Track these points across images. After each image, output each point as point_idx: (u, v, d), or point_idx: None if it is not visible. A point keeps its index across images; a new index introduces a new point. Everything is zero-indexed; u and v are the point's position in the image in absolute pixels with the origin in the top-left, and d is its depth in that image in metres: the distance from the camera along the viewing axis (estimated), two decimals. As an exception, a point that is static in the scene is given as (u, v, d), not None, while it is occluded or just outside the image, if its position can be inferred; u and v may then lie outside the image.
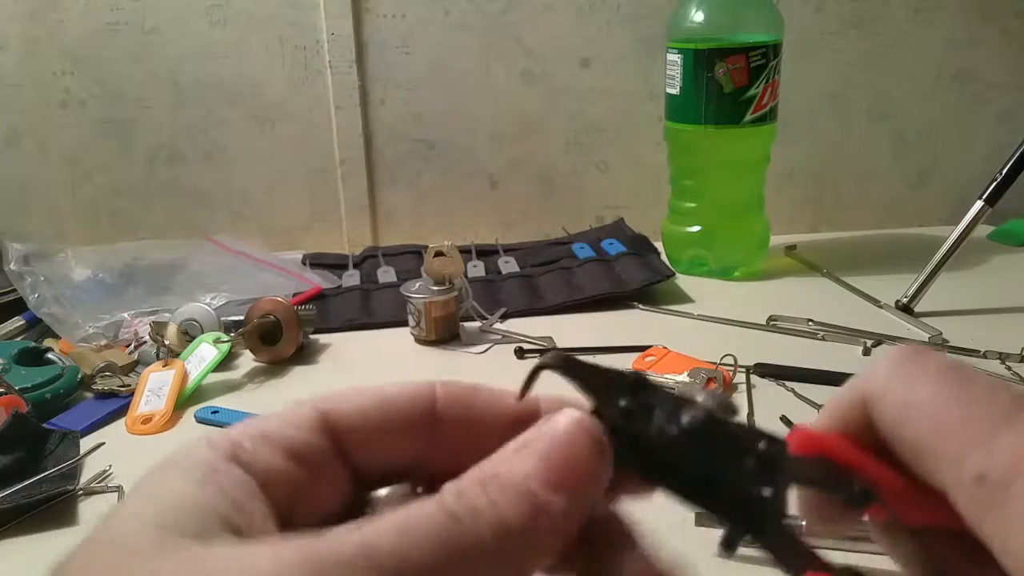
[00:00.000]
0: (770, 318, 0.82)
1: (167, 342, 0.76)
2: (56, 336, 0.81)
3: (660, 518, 0.24)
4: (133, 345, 0.79)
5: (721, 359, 0.70)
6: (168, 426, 0.67)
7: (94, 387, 0.71)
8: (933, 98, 1.13)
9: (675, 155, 0.97)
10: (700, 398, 0.21)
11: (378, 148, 1.11)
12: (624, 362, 0.73)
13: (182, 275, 0.91)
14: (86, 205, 1.10)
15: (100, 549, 0.18)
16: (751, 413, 0.65)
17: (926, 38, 1.10)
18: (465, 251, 1.00)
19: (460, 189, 1.13)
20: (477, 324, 0.83)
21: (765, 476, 0.21)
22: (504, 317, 0.85)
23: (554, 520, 0.19)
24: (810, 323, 0.80)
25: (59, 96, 1.06)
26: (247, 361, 0.78)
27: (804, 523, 0.23)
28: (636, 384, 0.22)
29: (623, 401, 0.22)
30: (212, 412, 0.68)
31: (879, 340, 0.76)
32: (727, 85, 0.88)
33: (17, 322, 0.84)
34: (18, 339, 0.82)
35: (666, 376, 0.69)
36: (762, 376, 0.70)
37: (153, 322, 0.79)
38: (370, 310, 0.88)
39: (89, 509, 0.56)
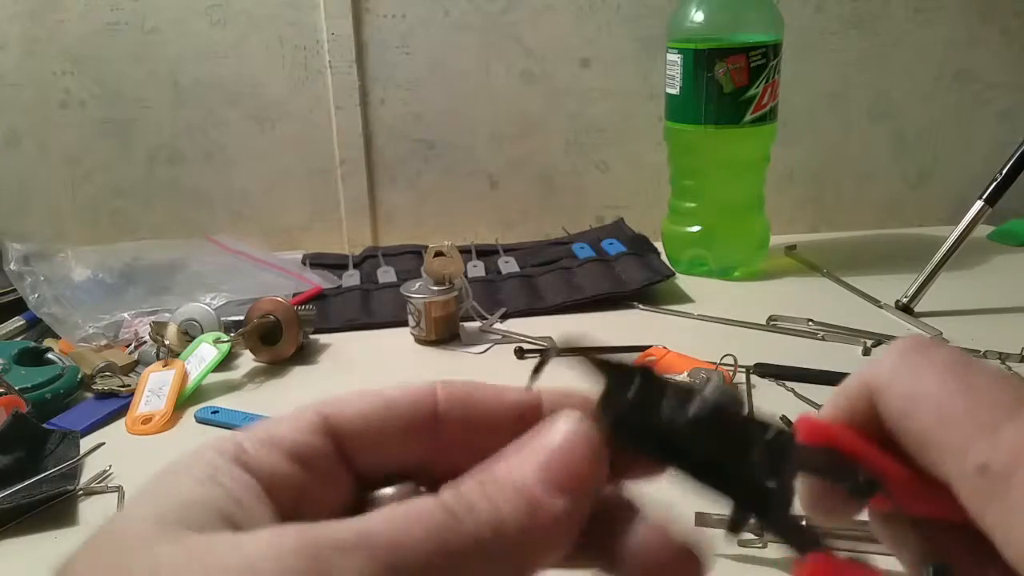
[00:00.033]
0: (770, 318, 0.82)
1: (167, 342, 0.76)
2: (56, 336, 0.81)
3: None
4: (133, 345, 0.79)
5: (721, 359, 0.70)
6: (168, 426, 0.66)
7: (94, 387, 0.71)
8: (933, 98, 1.13)
9: (675, 155, 0.97)
10: (707, 390, 0.22)
11: (378, 148, 1.11)
12: (624, 362, 0.73)
13: (182, 275, 0.91)
14: (86, 205, 1.10)
15: (102, 542, 0.18)
16: (751, 413, 0.65)
17: (926, 38, 1.10)
18: (465, 251, 1.00)
19: (460, 189, 1.13)
20: (477, 324, 0.83)
21: (772, 464, 0.21)
22: (504, 317, 0.85)
23: (554, 521, 0.19)
24: (810, 323, 0.80)
25: (59, 96, 1.06)
26: (247, 361, 0.78)
27: (807, 515, 0.23)
28: (645, 375, 0.22)
29: (632, 390, 0.22)
30: (212, 412, 0.68)
31: (879, 340, 0.76)
32: (727, 85, 0.88)
33: (17, 322, 0.84)
34: (18, 339, 0.81)
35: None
36: (762, 376, 0.70)
37: (153, 322, 0.79)
38: (370, 310, 0.88)
39: (89, 509, 0.56)
